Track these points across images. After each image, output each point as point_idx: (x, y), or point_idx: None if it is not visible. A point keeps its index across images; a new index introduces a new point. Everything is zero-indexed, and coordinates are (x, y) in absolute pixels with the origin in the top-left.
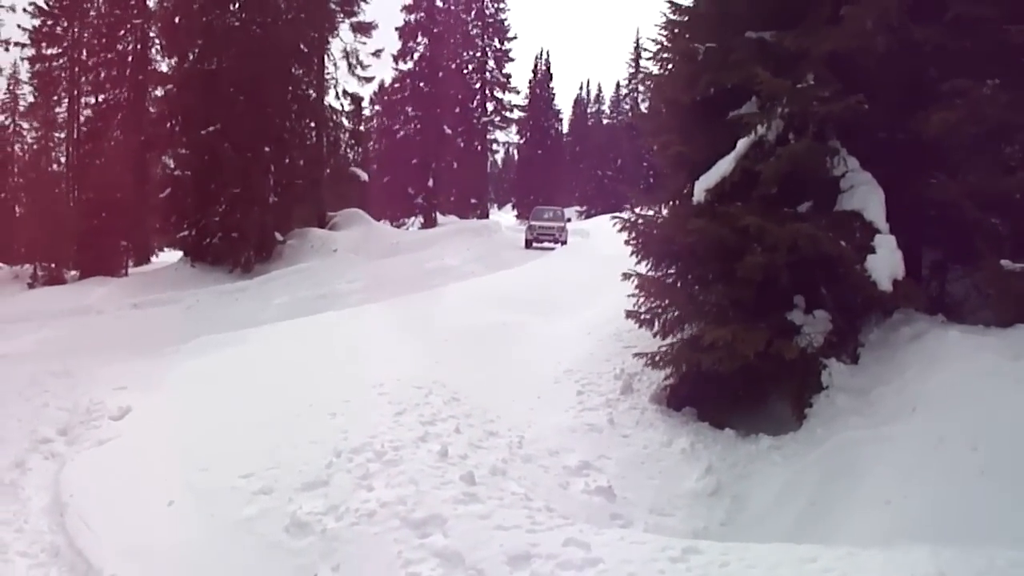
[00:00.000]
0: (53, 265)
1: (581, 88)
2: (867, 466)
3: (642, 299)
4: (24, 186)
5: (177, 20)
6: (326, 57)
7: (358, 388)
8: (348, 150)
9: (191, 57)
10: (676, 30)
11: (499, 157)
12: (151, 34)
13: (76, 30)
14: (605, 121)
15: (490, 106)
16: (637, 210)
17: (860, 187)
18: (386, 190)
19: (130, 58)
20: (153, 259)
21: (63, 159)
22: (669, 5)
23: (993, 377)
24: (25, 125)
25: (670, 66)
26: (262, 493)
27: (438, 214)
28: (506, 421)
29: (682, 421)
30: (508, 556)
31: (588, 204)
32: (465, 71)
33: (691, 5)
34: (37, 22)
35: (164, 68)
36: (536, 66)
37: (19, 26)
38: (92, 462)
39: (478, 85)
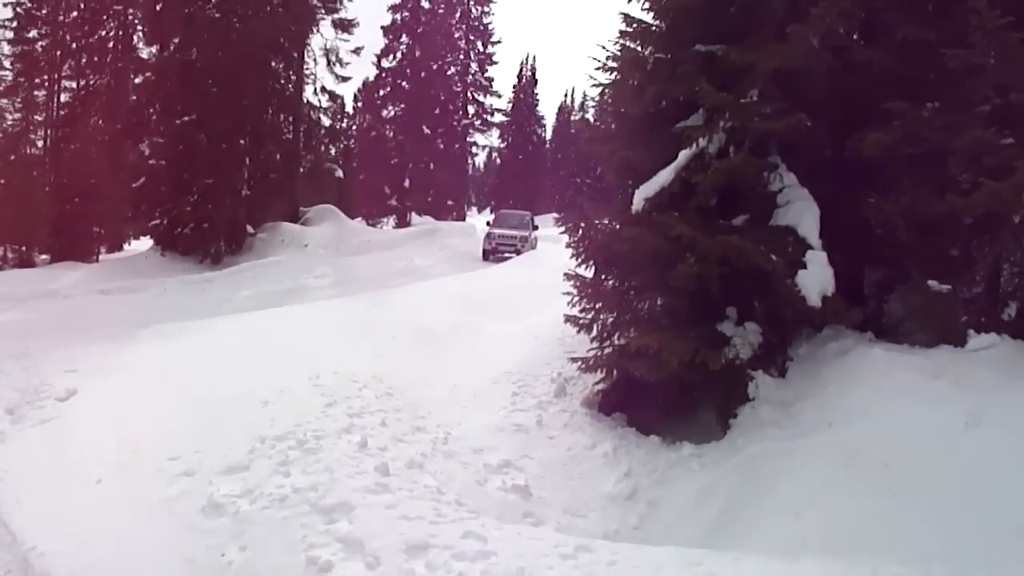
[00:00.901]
0: (24, 248)
1: (566, 95)
2: (780, 477)
3: (579, 302)
4: (1, 169)
5: (159, 8)
6: (306, 52)
7: (296, 379)
8: (325, 146)
9: (171, 47)
10: (627, 41)
11: (481, 160)
12: (133, 22)
13: (59, 14)
14: None
15: (471, 109)
16: (581, 216)
17: (796, 203)
18: (363, 188)
19: (112, 44)
20: (126, 247)
21: (40, 143)
22: (622, 17)
23: (909, 395)
24: (4, 102)
25: (618, 76)
26: (185, 475)
27: (414, 214)
28: (436, 418)
29: (610, 426)
30: (407, 545)
31: (566, 211)
32: (448, 73)
33: (643, 18)
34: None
35: (145, 56)
36: (521, 71)
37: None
38: (31, 440)
39: (460, 88)
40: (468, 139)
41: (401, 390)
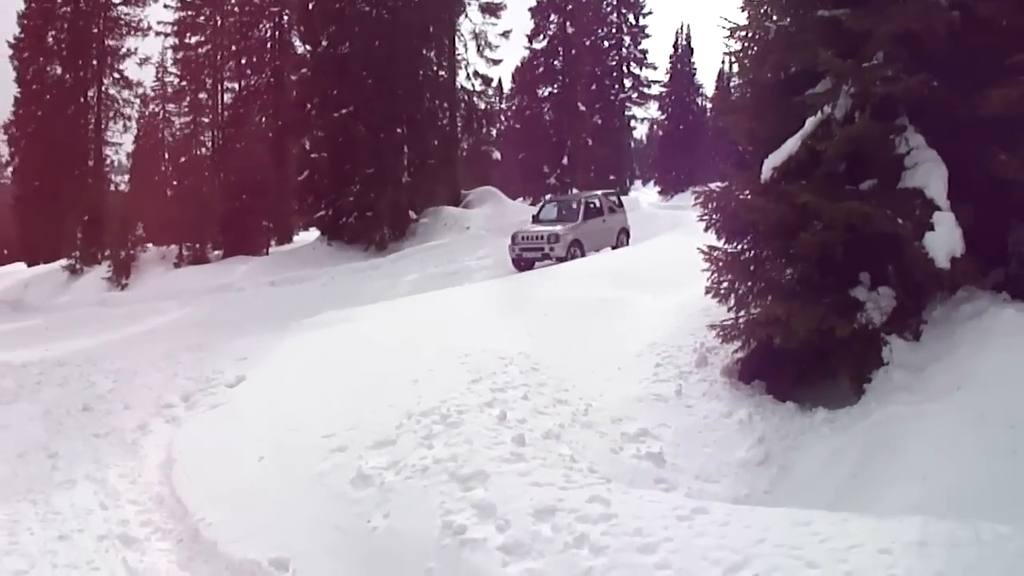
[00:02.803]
0: (197, 245)
1: (723, 62)
2: (908, 441)
3: (714, 273)
4: (173, 170)
5: (310, 6)
6: (456, 38)
7: (445, 358)
8: (480, 129)
9: (324, 42)
10: (751, 8)
11: (643, 133)
12: (287, 21)
13: (217, 19)
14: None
15: (627, 82)
16: (713, 186)
17: (923, 165)
18: (521, 168)
19: (268, 45)
20: (295, 238)
21: (208, 143)
22: None
23: None
24: (172, 107)
25: (743, 45)
26: (338, 450)
27: (575, 191)
28: (579, 391)
29: (748, 394)
30: (536, 509)
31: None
32: (601, 48)
33: None
34: (180, 14)
35: (301, 53)
36: (676, 41)
37: (158, 22)
38: (202, 424)
39: (614, 62)
40: (626, 113)
41: (547, 365)
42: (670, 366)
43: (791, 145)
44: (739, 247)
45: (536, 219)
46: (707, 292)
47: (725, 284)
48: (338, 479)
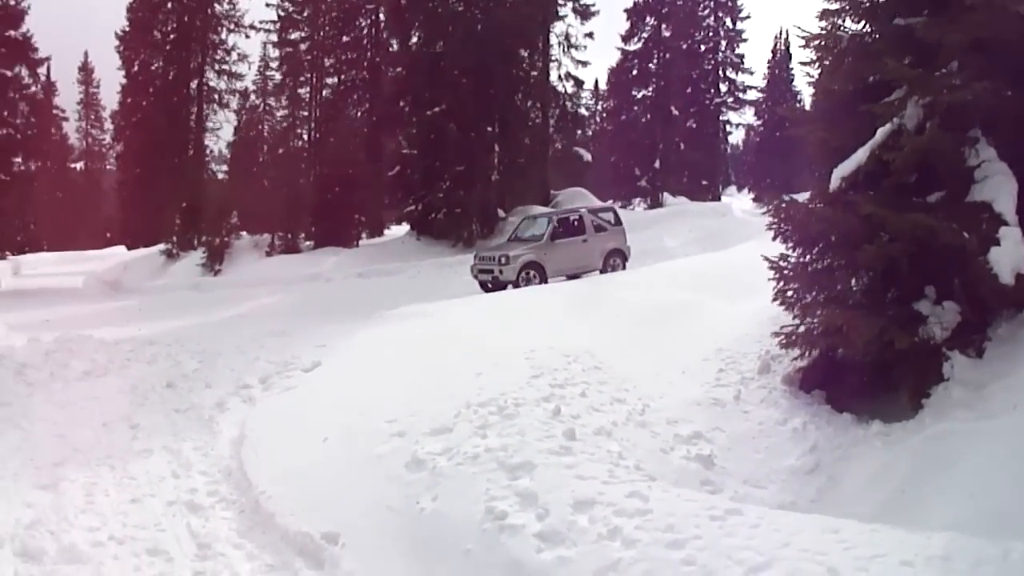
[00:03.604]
0: (290, 235)
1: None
2: (959, 457)
3: (779, 282)
4: (270, 161)
5: (403, 3)
6: (549, 39)
7: (510, 353)
8: (572, 129)
9: (418, 41)
10: (826, 19)
11: (739, 139)
12: (383, 19)
13: (316, 16)
14: None
15: (723, 87)
16: (784, 196)
17: (993, 178)
18: (612, 170)
19: (364, 42)
20: (386, 232)
21: (305, 137)
22: None
23: None
24: (272, 101)
25: (816, 55)
26: (397, 435)
27: (667, 195)
28: (639, 391)
29: (806, 403)
30: (576, 500)
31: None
32: (697, 52)
33: None
34: (281, 11)
35: (396, 50)
36: (775, 46)
37: (260, 21)
38: (275, 405)
39: (710, 66)
40: (721, 118)
41: (610, 364)
42: (733, 372)
43: (860, 155)
44: (806, 256)
45: (513, 236)
46: (774, 299)
47: (790, 292)
48: (394, 462)
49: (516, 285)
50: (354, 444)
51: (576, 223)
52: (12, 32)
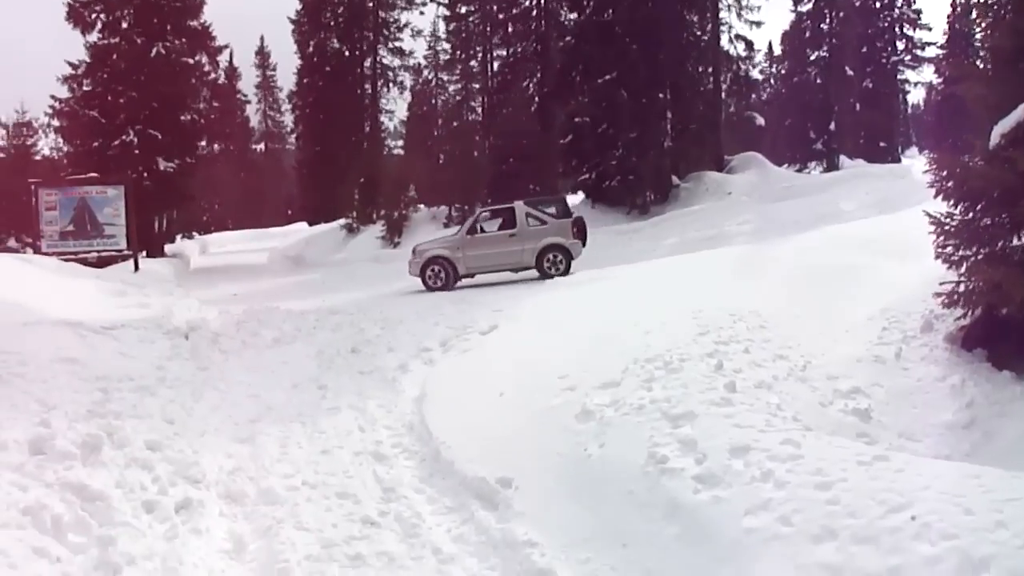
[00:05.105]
0: (466, 206)
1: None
2: None
3: (940, 237)
4: (445, 135)
5: None
6: (718, 2)
7: (679, 313)
8: (744, 93)
9: (587, 9)
10: None
11: (920, 98)
12: None
13: None
14: None
15: (900, 45)
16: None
17: None
18: (787, 134)
19: (533, 13)
20: None
21: (478, 109)
22: None
23: None
24: (444, 75)
25: (978, 10)
26: (568, 389)
27: (844, 158)
28: (802, 349)
29: (966, 360)
30: (732, 446)
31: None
32: (870, 9)
33: None
34: None
35: (565, 21)
36: (954, 1)
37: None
38: (454, 365)
39: (886, 23)
40: (898, 77)
41: (776, 323)
42: (896, 330)
43: (1020, 112)
44: (969, 214)
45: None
46: (936, 257)
47: (950, 249)
48: (565, 413)
49: (424, 283)
50: (528, 398)
51: (506, 217)
52: (192, 22)
